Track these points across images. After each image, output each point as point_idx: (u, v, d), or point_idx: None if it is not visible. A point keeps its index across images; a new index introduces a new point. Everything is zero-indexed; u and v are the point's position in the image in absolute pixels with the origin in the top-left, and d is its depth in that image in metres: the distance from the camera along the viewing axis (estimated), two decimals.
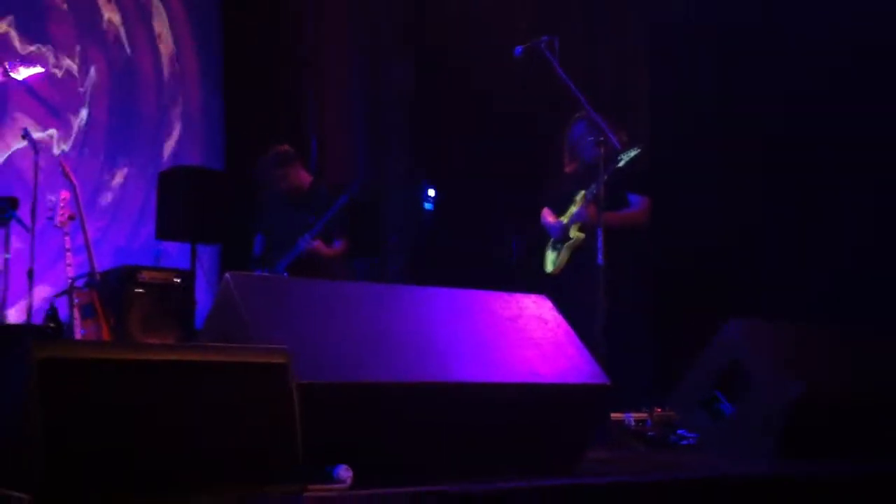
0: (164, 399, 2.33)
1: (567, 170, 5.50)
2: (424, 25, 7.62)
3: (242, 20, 8.15)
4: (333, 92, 8.21)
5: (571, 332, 3.43)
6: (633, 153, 4.90)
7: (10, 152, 7.16)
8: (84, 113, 7.65)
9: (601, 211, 4.77)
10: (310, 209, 5.90)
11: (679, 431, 4.43)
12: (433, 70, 7.46)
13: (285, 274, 5.84)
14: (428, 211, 7.77)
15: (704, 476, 3.26)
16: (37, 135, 7.19)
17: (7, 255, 5.89)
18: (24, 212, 5.94)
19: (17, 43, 7.22)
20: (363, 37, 8.13)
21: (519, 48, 4.92)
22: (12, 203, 5.78)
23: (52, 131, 7.47)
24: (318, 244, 5.81)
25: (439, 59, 7.35)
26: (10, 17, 7.11)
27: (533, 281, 5.49)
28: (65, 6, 7.54)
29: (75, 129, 7.61)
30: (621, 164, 4.91)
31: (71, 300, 5.66)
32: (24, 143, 6.47)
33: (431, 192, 7.79)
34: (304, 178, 6.12)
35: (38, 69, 4.17)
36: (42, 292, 6.14)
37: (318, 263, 5.82)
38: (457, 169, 7.46)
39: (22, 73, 3.99)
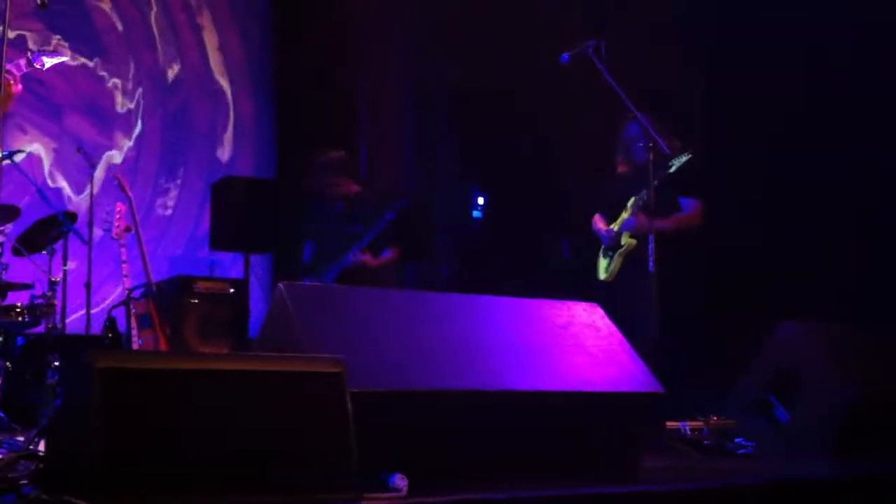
0: (221, 408, 2.35)
1: (620, 170, 5.47)
2: (471, 29, 7.62)
3: (292, 29, 8.25)
4: (382, 98, 8.25)
5: (624, 339, 3.41)
6: (683, 159, 4.85)
7: (68, 165, 7.30)
8: (138, 126, 7.78)
9: (651, 217, 4.74)
10: (358, 218, 5.93)
11: (737, 440, 4.38)
12: (481, 74, 7.46)
13: (329, 281, 5.87)
14: (477, 219, 7.78)
15: (763, 481, 3.22)
16: (92, 148, 7.34)
17: (66, 268, 6.00)
18: (81, 225, 6.05)
19: (68, 57, 7.38)
20: (411, 44, 8.16)
21: (566, 55, 4.90)
22: (70, 217, 5.88)
23: (113, 152, 7.61)
24: (366, 257, 5.85)
25: (487, 63, 7.34)
26: (60, 34, 7.26)
27: (584, 285, 5.48)
28: (118, 23, 7.68)
29: (130, 142, 7.74)
30: (672, 169, 4.87)
31: (128, 311, 5.75)
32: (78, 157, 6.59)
33: (481, 200, 7.80)
34: (353, 187, 6.16)
35: (63, 58, 4.25)
36: (100, 303, 6.25)
37: (366, 274, 5.85)
38: (506, 172, 7.45)
39: (46, 62, 4.07)
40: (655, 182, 4.78)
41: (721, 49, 6.66)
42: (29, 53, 4.04)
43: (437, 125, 8.08)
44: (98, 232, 6.11)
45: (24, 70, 3.92)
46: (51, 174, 7.25)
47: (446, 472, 2.77)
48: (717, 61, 6.68)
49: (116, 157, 7.65)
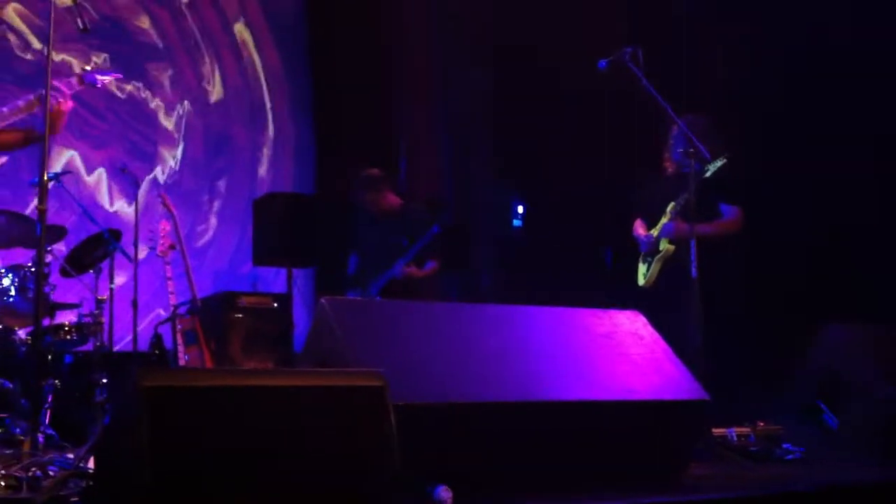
0: (265, 423, 2.38)
1: (666, 164, 5.45)
2: (509, 37, 7.62)
3: (329, 45, 8.31)
4: (419, 110, 8.29)
5: (667, 347, 3.40)
6: (719, 163, 4.82)
7: (112, 185, 7.42)
8: (181, 145, 7.89)
9: (691, 223, 4.70)
10: (401, 231, 5.98)
11: (785, 445, 4.33)
12: (517, 82, 7.46)
13: (378, 296, 5.92)
14: (517, 227, 7.77)
15: (813, 488, 3.18)
16: (136, 168, 7.45)
17: (112, 286, 6.08)
18: (126, 243, 6.13)
19: (121, 75, 7.50)
20: (447, 55, 8.19)
21: (603, 61, 4.88)
22: (116, 235, 5.96)
23: (156, 171, 7.72)
24: (411, 269, 5.92)
25: (522, 70, 7.34)
26: (105, 55, 7.39)
27: (626, 292, 5.45)
28: (159, 44, 7.79)
29: (173, 161, 7.85)
30: (708, 174, 4.84)
31: (174, 327, 5.82)
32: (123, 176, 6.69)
33: (520, 209, 7.79)
34: (394, 200, 6.21)
35: (116, 76, 4.30)
36: (146, 320, 6.33)
37: (410, 285, 5.91)
38: (545, 179, 7.43)
39: (99, 80, 4.12)
40: (693, 187, 4.76)
41: (758, 49, 6.61)
42: (81, 71, 4.08)
43: (475, 135, 8.09)
44: (143, 250, 6.19)
45: (77, 88, 3.95)
46: (96, 194, 7.36)
47: (491, 484, 2.77)
48: (753, 61, 6.63)
49: (160, 175, 7.76)
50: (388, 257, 5.96)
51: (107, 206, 7.40)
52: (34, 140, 3.95)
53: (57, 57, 6.62)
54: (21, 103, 3.78)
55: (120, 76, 4.36)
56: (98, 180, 7.41)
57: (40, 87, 3.83)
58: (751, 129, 6.42)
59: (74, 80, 3.98)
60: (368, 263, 6.15)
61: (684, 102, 4.98)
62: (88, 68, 4.11)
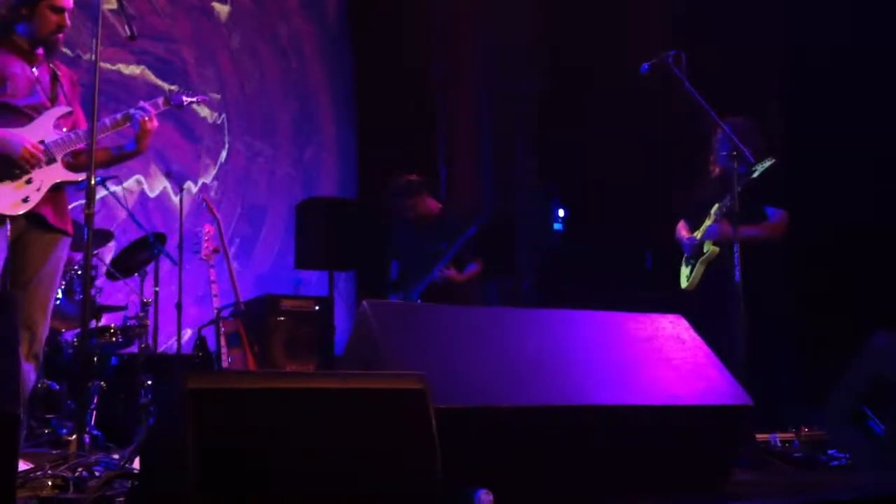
0: (308, 425, 2.39)
1: (711, 168, 5.42)
2: (551, 42, 7.62)
3: (372, 51, 8.35)
4: (461, 114, 8.30)
5: (710, 351, 3.37)
6: (766, 164, 4.77)
7: (157, 190, 7.51)
8: (225, 150, 7.97)
9: (735, 226, 4.66)
10: (441, 236, 5.99)
11: (829, 452, 4.27)
12: (559, 87, 7.45)
13: (419, 301, 5.93)
14: (558, 231, 7.76)
15: (858, 495, 3.13)
16: (180, 172, 7.55)
17: (157, 288, 6.16)
18: (171, 246, 6.20)
19: (151, 77, 7.60)
20: (489, 58, 8.20)
21: (645, 65, 4.86)
22: (161, 239, 6.04)
23: (201, 176, 7.81)
24: (451, 272, 5.91)
25: (565, 76, 7.33)
26: (145, 64, 7.49)
27: (668, 296, 5.42)
28: (202, 52, 7.88)
29: (217, 165, 7.93)
30: (755, 175, 4.78)
31: (218, 330, 5.88)
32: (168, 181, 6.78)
33: (561, 213, 7.78)
34: (433, 205, 6.22)
35: (201, 98, 4.42)
36: (190, 323, 6.40)
37: (451, 289, 5.91)
38: (586, 183, 7.41)
39: (185, 101, 4.25)
40: (739, 189, 4.71)
41: (803, 50, 6.54)
42: (168, 93, 4.18)
43: (516, 139, 8.09)
44: (187, 254, 6.27)
45: (162, 108, 4.07)
46: (141, 198, 7.46)
47: (532, 489, 2.76)
48: (799, 63, 6.56)
49: (204, 180, 7.84)
50: (428, 263, 5.98)
51: (153, 210, 7.49)
52: (122, 159, 4.10)
53: (105, 65, 6.71)
54: (108, 122, 3.91)
55: (205, 98, 4.50)
56: (144, 185, 7.50)
57: (126, 106, 4.03)
58: (795, 132, 6.36)
59: (161, 101, 4.10)
60: (409, 269, 6.17)
61: (727, 105, 4.95)
62: (174, 88, 4.24)
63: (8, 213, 3.68)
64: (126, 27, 3.69)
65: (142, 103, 3.98)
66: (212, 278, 5.96)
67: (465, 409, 2.71)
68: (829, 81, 6.35)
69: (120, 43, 6.83)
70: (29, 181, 3.73)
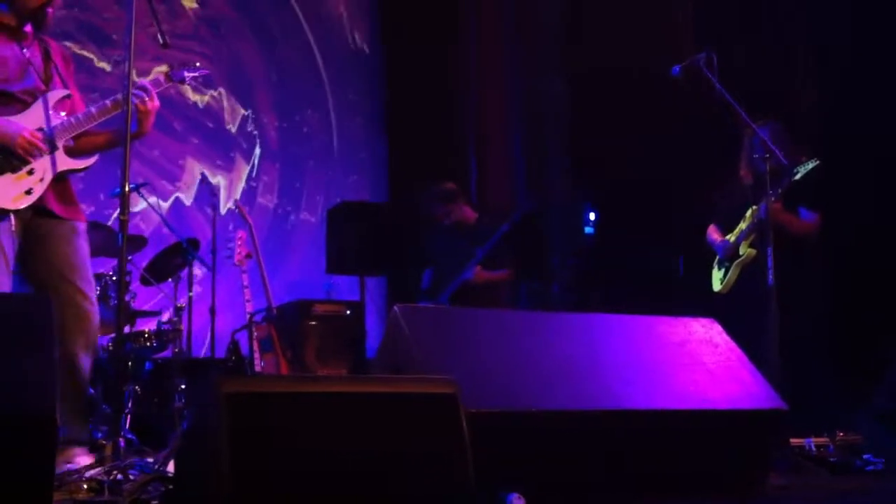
0: (340, 429, 2.41)
1: (742, 173, 5.38)
2: (581, 44, 7.60)
3: (402, 55, 8.36)
4: (491, 116, 8.30)
5: (743, 355, 3.35)
6: (810, 166, 4.75)
7: (190, 196, 7.58)
8: (257, 155, 8.02)
9: (769, 230, 4.63)
10: (475, 243, 5.98)
11: (865, 456, 4.23)
12: (590, 89, 7.42)
13: (447, 303, 5.92)
14: (589, 235, 7.73)
15: (891, 502, 3.10)
16: (213, 179, 7.61)
17: (191, 293, 6.21)
18: (204, 252, 6.25)
19: (188, 93, 7.67)
20: (520, 61, 8.19)
21: (676, 67, 4.83)
22: (194, 244, 6.08)
23: (223, 178, 7.87)
24: (481, 271, 5.89)
25: (596, 78, 7.30)
26: (163, 65, 7.55)
27: (700, 299, 5.39)
28: (235, 58, 7.94)
29: (249, 171, 7.98)
30: (797, 176, 4.76)
31: (250, 334, 5.91)
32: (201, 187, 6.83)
33: (592, 216, 7.75)
34: (470, 213, 6.22)
35: (203, 72, 4.10)
36: (223, 328, 6.43)
37: (480, 290, 5.89)
38: (618, 187, 7.38)
39: (188, 77, 4.00)
40: (779, 190, 4.72)
41: (832, 45, 6.48)
42: (168, 69, 3.94)
43: (547, 142, 8.07)
44: (220, 259, 6.31)
45: (164, 85, 3.84)
46: (175, 203, 7.52)
47: (564, 492, 2.76)
48: (829, 59, 6.50)
49: (238, 185, 7.89)
50: (462, 268, 5.98)
51: (186, 216, 7.55)
52: (121, 142, 3.88)
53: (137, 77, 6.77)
54: (109, 103, 3.70)
55: (206, 72, 4.25)
56: (176, 190, 7.56)
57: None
58: (828, 130, 6.29)
59: (162, 77, 3.88)
60: (442, 276, 6.16)
61: (759, 108, 4.91)
62: (164, 68, 4.00)
63: (10, 207, 3.50)
64: (159, 35, 3.59)
65: (141, 82, 3.74)
66: (244, 283, 5.99)
67: (497, 413, 2.71)
68: (862, 77, 6.28)
69: (153, 55, 6.90)
70: (31, 172, 3.54)
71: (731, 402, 3.13)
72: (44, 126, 3.59)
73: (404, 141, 8.30)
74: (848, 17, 6.35)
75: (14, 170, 3.53)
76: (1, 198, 3.50)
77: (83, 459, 3.45)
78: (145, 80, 3.77)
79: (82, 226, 3.73)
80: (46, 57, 3.74)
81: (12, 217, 3.50)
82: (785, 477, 3.77)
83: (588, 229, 7.82)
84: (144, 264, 5.98)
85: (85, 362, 3.61)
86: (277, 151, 8.15)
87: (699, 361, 3.24)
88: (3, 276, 3.50)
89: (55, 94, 3.67)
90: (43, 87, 3.67)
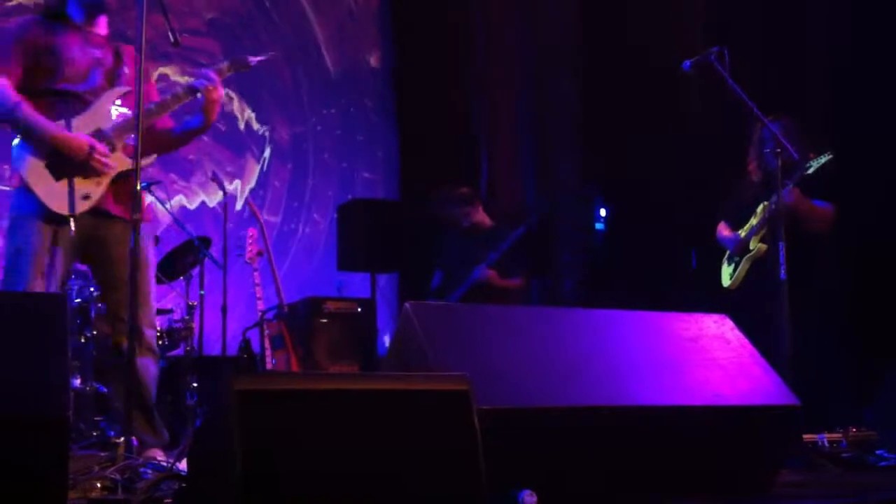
0: (352, 426, 2.41)
1: (749, 168, 5.37)
2: (592, 42, 7.59)
3: (413, 53, 8.36)
4: (502, 112, 8.29)
5: (755, 351, 3.34)
6: (823, 160, 4.74)
7: (201, 194, 7.59)
8: (268, 152, 8.04)
9: (781, 225, 4.62)
10: (489, 246, 5.97)
11: (878, 452, 4.22)
12: (601, 85, 7.41)
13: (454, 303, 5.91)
14: (600, 231, 7.72)
15: None
16: (224, 177, 7.62)
17: (202, 292, 6.22)
18: (215, 249, 6.27)
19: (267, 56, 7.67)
20: (530, 58, 8.18)
21: (687, 62, 4.81)
22: (205, 242, 6.10)
23: (237, 180, 7.88)
24: (492, 274, 5.88)
25: (607, 75, 7.30)
26: (191, 75, 7.56)
27: (712, 295, 5.38)
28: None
29: (259, 168, 8.00)
30: (810, 170, 4.76)
31: (262, 332, 5.93)
32: (213, 185, 6.85)
33: (603, 212, 7.74)
34: (485, 218, 6.21)
35: (264, 57, 3.96)
36: (235, 325, 6.45)
37: (490, 293, 5.88)
38: (628, 182, 7.37)
39: (251, 61, 3.82)
40: (791, 184, 4.72)
41: (844, 42, 6.45)
42: (233, 56, 3.84)
43: (557, 139, 8.06)
44: (232, 257, 6.33)
45: (227, 74, 3.75)
46: (186, 201, 7.54)
47: (576, 489, 2.76)
48: (840, 54, 6.47)
49: (249, 183, 7.91)
50: (472, 270, 5.97)
51: (197, 213, 7.57)
52: (188, 136, 3.86)
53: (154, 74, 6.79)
54: (168, 97, 3.64)
55: (274, 53, 4.07)
56: (188, 188, 7.58)
57: (191, 78, 3.72)
58: (840, 124, 6.27)
59: (224, 66, 3.76)
60: (453, 279, 6.15)
61: (770, 105, 4.90)
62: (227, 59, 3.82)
63: (67, 212, 3.48)
64: (170, 34, 3.56)
65: (203, 70, 3.68)
66: (256, 281, 6.02)
67: (509, 410, 2.71)
68: (874, 75, 6.25)
69: (164, 53, 6.91)
70: (89, 175, 3.51)
71: (744, 398, 3.12)
72: (102, 126, 3.54)
73: (416, 139, 8.30)
74: (858, 15, 6.32)
75: (74, 175, 3.50)
76: (58, 203, 3.48)
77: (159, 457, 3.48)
78: (208, 69, 3.69)
79: (144, 225, 3.65)
80: (118, 59, 3.71)
81: (72, 223, 3.47)
82: (798, 473, 3.76)
83: (599, 225, 7.81)
84: (156, 262, 5.99)
85: (142, 363, 3.59)
86: (288, 150, 8.16)
87: (711, 357, 3.23)
88: (48, 279, 3.47)
89: (116, 91, 3.61)
90: (107, 87, 3.63)
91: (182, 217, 6.81)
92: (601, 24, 7.47)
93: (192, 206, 7.58)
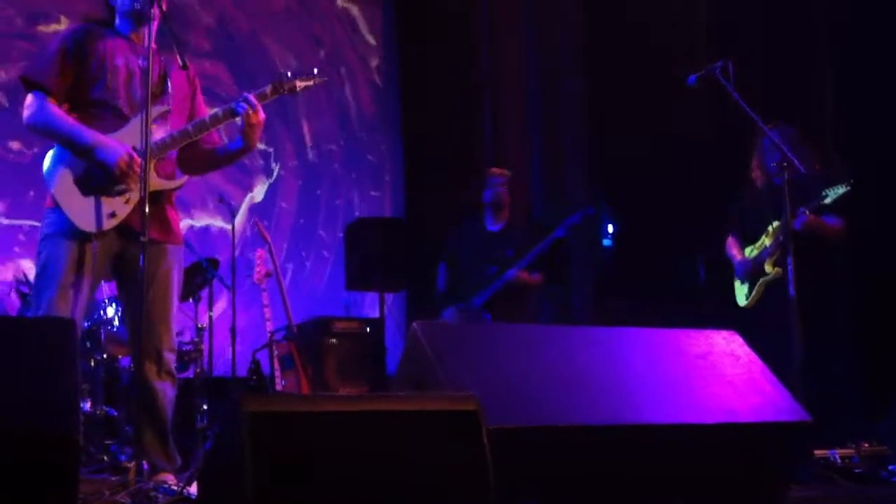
0: (362, 447, 2.41)
1: (753, 175, 5.36)
2: (600, 49, 7.58)
3: (417, 67, 8.36)
4: (510, 127, 8.30)
5: (765, 367, 3.33)
6: (840, 190, 4.72)
7: (209, 217, 7.61)
8: (275, 172, 8.06)
9: (790, 242, 4.61)
10: (506, 244, 5.89)
11: (891, 467, 4.20)
12: (609, 97, 7.40)
13: (480, 307, 5.82)
14: (608, 248, 7.71)
15: None
16: (232, 198, 7.64)
17: (211, 313, 6.23)
18: (224, 271, 6.28)
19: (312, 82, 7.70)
20: (538, 65, 8.19)
21: (692, 77, 4.82)
22: (214, 264, 6.10)
23: (245, 199, 7.91)
24: (523, 273, 5.77)
25: (615, 83, 7.28)
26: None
27: (722, 308, 5.36)
28: (253, 69, 8.00)
29: (267, 188, 8.02)
30: (827, 200, 4.76)
31: (271, 353, 5.93)
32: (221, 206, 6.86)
33: (611, 229, 7.73)
34: (508, 213, 6.13)
35: (312, 81, 3.88)
36: (244, 346, 6.45)
37: (517, 294, 5.81)
38: (637, 191, 7.35)
39: (299, 86, 3.77)
40: (807, 211, 4.74)
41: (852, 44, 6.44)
42: (278, 77, 3.78)
43: (566, 156, 8.06)
44: (240, 278, 6.34)
45: (270, 98, 3.72)
46: (192, 221, 7.56)
47: None
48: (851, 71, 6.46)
49: (255, 203, 7.92)
50: (484, 269, 5.87)
51: (204, 235, 7.59)
52: (229, 159, 3.85)
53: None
54: (208, 120, 3.62)
55: (325, 79, 4.02)
56: (195, 209, 7.60)
57: (233, 100, 3.67)
58: (851, 143, 6.26)
59: (268, 90, 3.71)
60: (463, 275, 6.03)
61: (777, 111, 4.90)
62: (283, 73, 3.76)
63: (91, 229, 3.44)
64: (178, 57, 3.56)
65: (245, 94, 3.63)
66: (264, 302, 6.02)
67: (518, 429, 2.71)
68: (881, 84, 6.23)
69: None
70: (118, 193, 3.47)
71: (754, 415, 3.11)
72: (138, 145, 3.45)
73: (421, 157, 8.31)
74: (867, 22, 6.32)
75: (101, 192, 3.47)
76: (84, 220, 3.46)
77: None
78: (250, 93, 3.65)
79: (176, 248, 3.67)
80: (164, 73, 3.67)
81: (95, 242, 3.44)
82: (809, 489, 3.75)
83: (607, 242, 7.79)
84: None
85: (160, 387, 3.57)
86: (295, 170, 8.19)
87: (721, 374, 3.23)
88: (75, 296, 3.44)
89: (154, 111, 3.53)
90: (148, 102, 3.49)
91: (189, 238, 6.82)
92: (608, 31, 7.45)
93: (198, 225, 7.60)
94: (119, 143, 3.49)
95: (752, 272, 5.16)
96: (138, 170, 3.44)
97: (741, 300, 5.23)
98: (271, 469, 2.26)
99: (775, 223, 5.03)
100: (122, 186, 3.48)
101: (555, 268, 6.15)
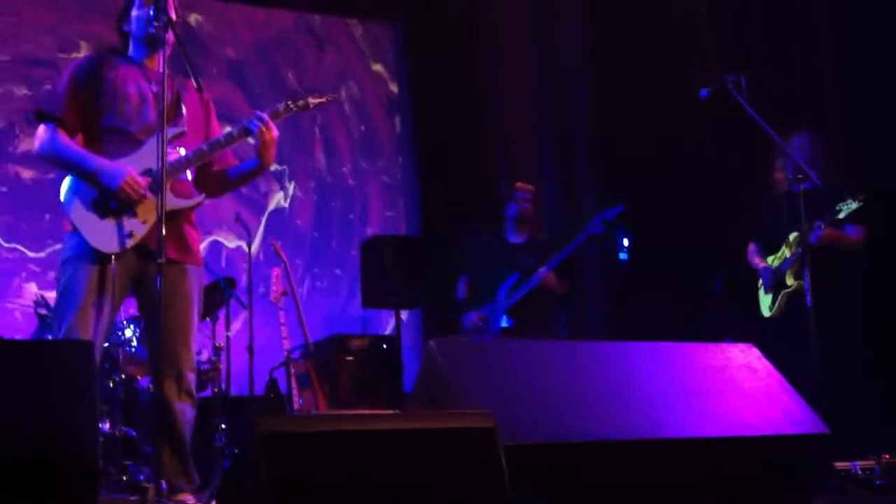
0: (379, 466, 2.41)
1: (777, 177, 5.34)
2: (606, 60, 7.57)
3: (430, 85, 8.37)
4: (521, 150, 8.30)
5: (783, 379, 3.31)
6: (853, 205, 4.73)
7: (225, 236, 7.65)
8: (291, 190, 8.09)
9: (808, 253, 4.60)
10: (529, 254, 5.87)
11: None
12: (618, 112, 7.39)
13: (505, 314, 5.79)
14: (623, 261, 7.68)
15: None
16: (248, 217, 7.67)
17: (228, 333, 6.25)
18: (240, 290, 6.30)
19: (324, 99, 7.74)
20: (546, 95, 8.21)
21: (704, 91, 4.82)
22: (230, 283, 6.13)
23: (258, 216, 7.94)
24: (550, 276, 5.73)
25: (624, 94, 7.27)
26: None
27: (741, 320, 5.34)
28: (265, 89, 8.04)
29: (283, 207, 8.05)
30: (841, 215, 4.77)
31: (288, 371, 5.94)
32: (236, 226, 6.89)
33: (626, 242, 7.70)
34: (532, 227, 6.13)
35: (324, 99, 3.94)
36: (262, 365, 6.46)
37: (541, 300, 5.78)
38: (650, 203, 7.32)
39: (311, 103, 3.83)
40: (822, 225, 4.73)
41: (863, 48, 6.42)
42: (292, 95, 3.83)
43: (579, 172, 8.06)
44: (257, 297, 6.35)
45: (284, 116, 3.75)
46: (210, 242, 7.59)
47: None
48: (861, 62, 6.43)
49: (271, 221, 7.95)
50: (501, 278, 5.84)
51: (222, 256, 7.62)
52: (243, 179, 3.87)
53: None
54: (222, 138, 3.66)
55: (335, 96, 4.05)
56: (212, 229, 7.64)
57: (244, 120, 3.71)
58: (864, 151, 6.23)
59: (281, 107, 3.75)
60: (482, 286, 5.99)
61: (796, 118, 4.89)
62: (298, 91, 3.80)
63: (108, 250, 3.48)
64: (193, 80, 3.60)
65: (258, 112, 3.68)
66: (281, 321, 6.04)
67: (535, 446, 2.70)
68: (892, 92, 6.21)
69: None
70: (135, 214, 3.51)
71: (773, 428, 3.10)
72: (153, 167, 3.49)
73: (436, 174, 8.31)
74: (879, 30, 6.29)
75: (117, 214, 3.51)
76: (102, 241, 3.50)
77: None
78: (263, 112, 3.68)
79: (195, 268, 3.69)
80: (177, 96, 3.71)
81: (114, 263, 3.48)
82: (831, 501, 3.72)
83: (622, 255, 7.76)
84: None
85: (179, 408, 3.58)
86: (312, 186, 8.22)
87: (739, 387, 3.21)
88: (96, 318, 3.47)
89: (168, 133, 3.53)
90: (161, 126, 3.51)
91: (206, 257, 6.86)
92: (615, 49, 7.45)
93: (218, 243, 7.64)
94: (123, 167, 3.53)
95: (776, 281, 5.15)
96: (142, 191, 3.49)
97: (765, 311, 5.22)
98: (287, 489, 2.26)
99: (794, 234, 5.02)
100: (133, 210, 3.52)
101: (574, 279, 6.13)
